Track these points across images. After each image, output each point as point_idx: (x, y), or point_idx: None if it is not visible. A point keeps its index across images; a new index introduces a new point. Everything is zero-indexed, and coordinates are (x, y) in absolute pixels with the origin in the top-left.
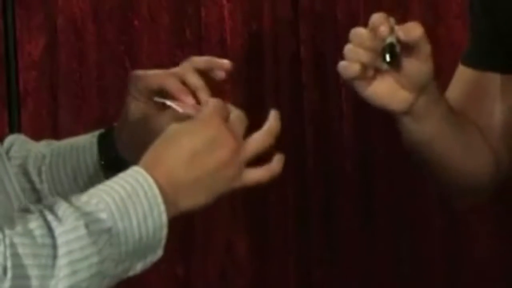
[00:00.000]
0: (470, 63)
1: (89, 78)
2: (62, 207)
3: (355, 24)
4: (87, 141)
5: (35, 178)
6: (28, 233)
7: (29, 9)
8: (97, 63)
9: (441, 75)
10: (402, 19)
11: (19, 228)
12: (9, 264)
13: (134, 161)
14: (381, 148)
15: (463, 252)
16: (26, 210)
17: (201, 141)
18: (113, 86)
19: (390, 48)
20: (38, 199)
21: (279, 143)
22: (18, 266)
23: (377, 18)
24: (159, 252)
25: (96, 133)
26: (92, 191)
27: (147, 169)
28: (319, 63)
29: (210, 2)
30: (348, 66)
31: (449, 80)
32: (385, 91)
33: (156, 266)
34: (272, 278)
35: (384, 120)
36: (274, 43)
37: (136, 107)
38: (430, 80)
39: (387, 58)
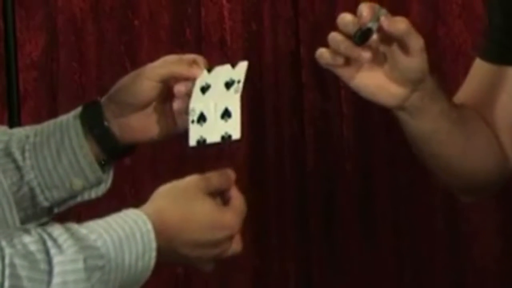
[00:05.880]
0: (486, 56)
1: (89, 78)
2: (63, 236)
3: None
4: (70, 116)
5: (18, 156)
6: (28, 256)
7: (29, 9)
8: (97, 63)
9: (441, 75)
10: None
11: (19, 247)
12: (7, 283)
13: (121, 133)
14: (381, 148)
15: (465, 250)
16: (24, 231)
17: (210, 239)
18: (113, 86)
19: (366, 31)
20: (21, 177)
21: (279, 143)
22: (17, 287)
23: (363, 5)
24: None
25: (79, 108)
26: (91, 225)
27: (150, 216)
28: (319, 63)
29: (210, 2)
30: (319, 53)
31: (450, 80)
32: (374, 84)
33: (156, 266)
34: (272, 277)
35: (384, 120)
36: (274, 43)
37: (148, 85)
38: (423, 75)
39: (357, 37)
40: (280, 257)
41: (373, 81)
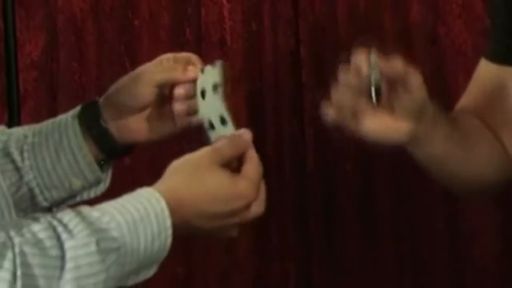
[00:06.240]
0: (491, 57)
1: (89, 78)
2: (74, 221)
3: (355, 24)
4: (68, 116)
5: (16, 157)
6: (38, 243)
7: (29, 9)
8: (97, 63)
9: (441, 75)
10: (402, 19)
11: (28, 236)
12: (19, 272)
13: (119, 133)
14: (381, 148)
15: (465, 250)
16: (34, 219)
17: (226, 210)
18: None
19: (377, 86)
20: (20, 178)
21: (279, 143)
22: (28, 275)
23: (357, 56)
24: (153, 271)
25: (77, 108)
26: (104, 207)
27: (163, 194)
28: (319, 63)
29: (210, 2)
30: (325, 111)
31: (450, 80)
32: (382, 127)
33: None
34: (272, 278)
35: None
36: (274, 43)
37: (145, 90)
38: (425, 106)
39: (373, 95)
40: (280, 257)
41: (380, 124)
